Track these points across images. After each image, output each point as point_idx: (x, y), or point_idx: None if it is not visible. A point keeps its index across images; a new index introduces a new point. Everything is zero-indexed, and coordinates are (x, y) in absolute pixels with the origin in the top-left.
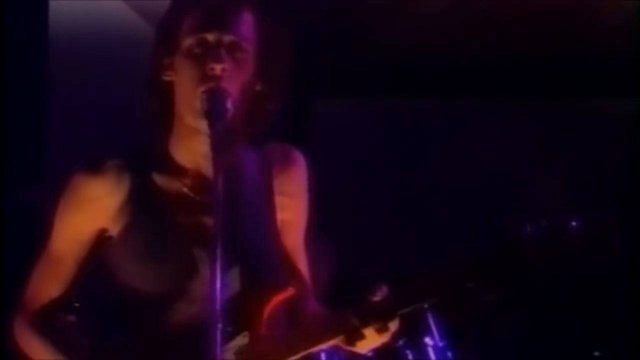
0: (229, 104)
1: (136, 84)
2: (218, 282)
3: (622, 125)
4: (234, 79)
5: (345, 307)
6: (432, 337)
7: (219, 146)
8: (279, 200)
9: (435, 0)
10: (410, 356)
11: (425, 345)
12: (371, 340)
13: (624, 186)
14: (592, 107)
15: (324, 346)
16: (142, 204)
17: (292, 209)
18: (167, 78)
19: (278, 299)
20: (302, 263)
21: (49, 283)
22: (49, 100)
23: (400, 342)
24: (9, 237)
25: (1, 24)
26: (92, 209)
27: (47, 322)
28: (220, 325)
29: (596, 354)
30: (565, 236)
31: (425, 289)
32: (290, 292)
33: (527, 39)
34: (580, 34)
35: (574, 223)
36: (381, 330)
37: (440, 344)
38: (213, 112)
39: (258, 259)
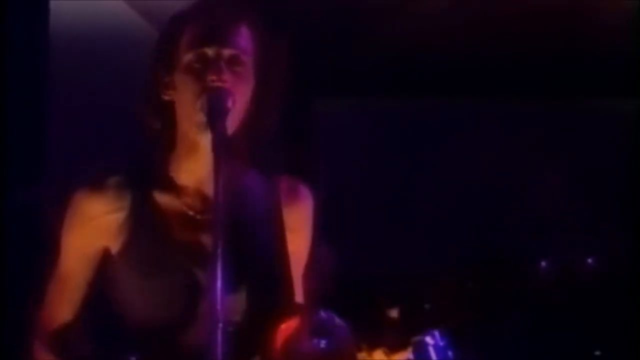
0: (230, 103)
1: (136, 84)
2: (219, 282)
3: (622, 125)
4: (235, 91)
5: (351, 321)
6: (433, 336)
7: (220, 147)
8: (284, 229)
9: (435, 0)
10: (411, 355)
11: (426, 344)
12: None
13: (624, 186)
14: (592, 107)
15: None
16: (143, 222)
17: (294, 242)
18: (167, 97)
19: (288, 324)
20: (297, 295)
21: (60, 302)
22: (49, 100)
23: None
24: (9, 237)
25: (1, 24)
26: (94, 227)
27: (63, 342)
28: (220, 325)
29: (597, 353)
30: (579, 275)
31: (437, 315)
32: (297, 318)
33: (527, 39)
34: (580, 34)
35: (590, 261)
36: (390, 354)
37: (441, 343)
38: (214, 110)
39: (266, 283)
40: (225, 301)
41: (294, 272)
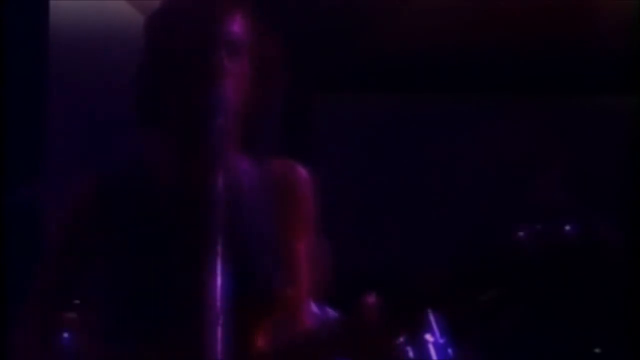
0: (229, 100)
1: None
2: (218, 279)
3: (622, 125)
4: (231, 82)
5: (343, 317)
6: (433, 334)
7: (219, 144)
8: (280, 214)
9: None
10: (410, 353)
11: (426, 342)
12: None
13: (624, 185)
14: (592, 107)
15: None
16: (142, 211)
17: (292, 225)
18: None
19: (278, 308)
20: (298, 277)
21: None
22: (49, 101)
23: (401, 339)
24: (9, 237)
25: (1, 24)
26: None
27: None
28: (220, 321)
29: (597, 350)
30: (560, 240)
31: (419, 301)
32: (289, 303)
33: (527, 38)
34: (580, 34)
35: (568, 227)
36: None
37: (441, 341)
38: (213, 108)
39: (258, 268)
40: (224, 294)
41: (292, 257)
